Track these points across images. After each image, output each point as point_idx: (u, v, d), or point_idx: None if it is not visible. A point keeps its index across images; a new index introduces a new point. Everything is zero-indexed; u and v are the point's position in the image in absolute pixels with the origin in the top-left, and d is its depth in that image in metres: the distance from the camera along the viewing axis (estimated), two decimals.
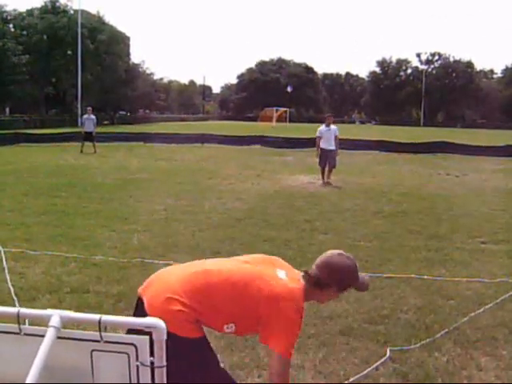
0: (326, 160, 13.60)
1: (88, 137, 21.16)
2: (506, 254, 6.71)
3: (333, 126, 13.87)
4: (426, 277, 5.63)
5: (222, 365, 2.63)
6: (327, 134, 13.76)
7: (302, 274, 2.47)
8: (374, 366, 3.63)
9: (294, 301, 2.32)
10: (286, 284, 2.37)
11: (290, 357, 2.30)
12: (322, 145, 13.74)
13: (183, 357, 2.24)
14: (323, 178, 13.51)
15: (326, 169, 13.57)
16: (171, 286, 2.35)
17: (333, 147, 13.72)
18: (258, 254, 2.71)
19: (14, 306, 4.41)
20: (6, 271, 5.41)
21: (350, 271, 2.45)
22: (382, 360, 3.71)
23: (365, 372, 3.55)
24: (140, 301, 2.40)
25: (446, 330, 4.25)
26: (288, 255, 6.39)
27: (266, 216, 8.94)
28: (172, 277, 2.42)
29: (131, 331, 1.58)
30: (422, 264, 6.18)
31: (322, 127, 13.92)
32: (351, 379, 3.47)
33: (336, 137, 13.85)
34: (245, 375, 3.51)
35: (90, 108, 22.32)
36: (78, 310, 1.73)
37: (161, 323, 1.44)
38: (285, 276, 2.43)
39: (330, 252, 2.50)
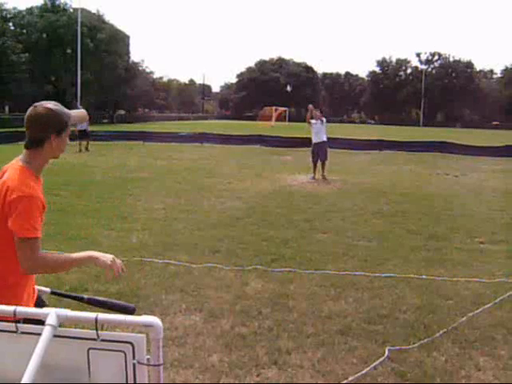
0: (318, 154, 14.02)
1: (82, 135, 21.15)
2: (504, 254, 6.71)
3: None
4: (424, 277, 5.64)
5: None
6: (316, 126, 14.09)
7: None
8: (373, 365, 3.63)
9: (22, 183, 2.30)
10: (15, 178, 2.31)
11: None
12: (313, 139, 14.19)
13: None
14: (315, 173, 13.93)
15: (318, 163, 13.97)
16: None
17: (322, 139, 14.08)
18: None
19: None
20: None
21: (54, 114, 2.38)
22: (381, 360, 3.71)
23: (363, 371, 3.55)
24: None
25: (445, 329, 4.25)
26: (287, 254, 6.40)
27: (265, 215, 8.94)
28: None
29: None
30: (421, 264, 6.18)
31: (313, 120, 14.30)
32: (350, 378, 3.47)
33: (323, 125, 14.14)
34: (243, 374, 3.50)
35: (80, 106, 22.37)
36: (76, 308, 1.72)
37: (158, 321, 1.43)
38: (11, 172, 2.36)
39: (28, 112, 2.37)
